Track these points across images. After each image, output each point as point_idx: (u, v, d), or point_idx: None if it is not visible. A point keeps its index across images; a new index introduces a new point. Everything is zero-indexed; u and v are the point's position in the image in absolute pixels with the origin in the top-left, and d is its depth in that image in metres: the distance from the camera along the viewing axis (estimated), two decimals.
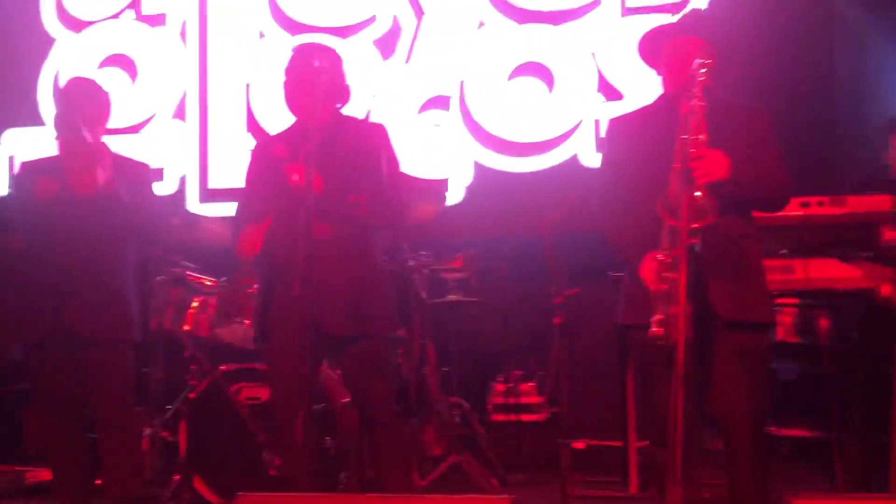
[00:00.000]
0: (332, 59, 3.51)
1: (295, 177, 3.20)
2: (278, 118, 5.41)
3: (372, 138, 3.51)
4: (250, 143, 5.55)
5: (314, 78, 3.34)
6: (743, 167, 2.94)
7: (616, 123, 3.35)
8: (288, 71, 3.48)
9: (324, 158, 3.22)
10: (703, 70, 2.86)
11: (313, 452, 3.54)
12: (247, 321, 4.41)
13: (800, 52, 5.06)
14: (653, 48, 3.24)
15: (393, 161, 3.52)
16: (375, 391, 3.46)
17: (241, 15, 5.64)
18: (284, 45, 5.51)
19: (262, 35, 5.62)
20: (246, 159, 5.51)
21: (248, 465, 4.18)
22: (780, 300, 4.46)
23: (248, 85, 5.59)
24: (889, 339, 3.91)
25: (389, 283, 3.59)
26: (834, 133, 5.11)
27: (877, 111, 4.92)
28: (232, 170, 5.55)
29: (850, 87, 5.21)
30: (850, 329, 4.42)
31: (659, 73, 3.25)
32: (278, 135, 3.61)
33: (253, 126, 5.57)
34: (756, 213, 3.20)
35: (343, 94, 3.53)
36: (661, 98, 3.26)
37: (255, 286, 4.49)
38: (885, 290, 3.84)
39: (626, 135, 3.25)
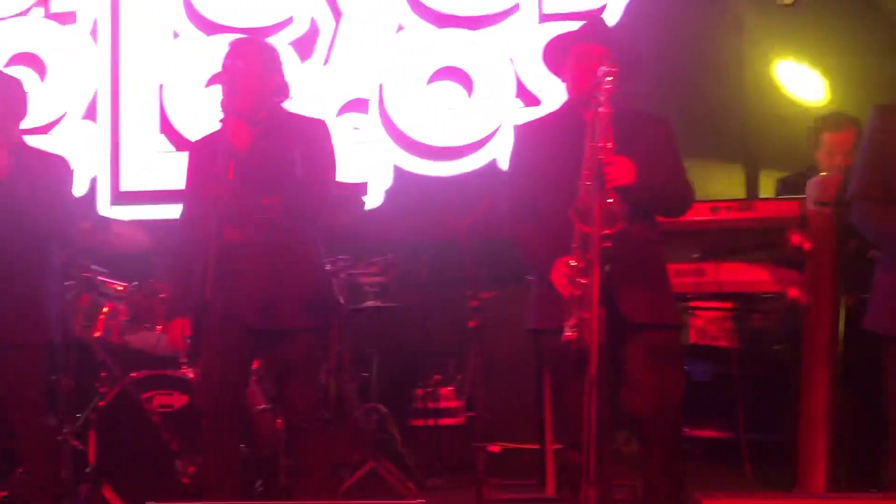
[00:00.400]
0: (270, 55, 3.48)
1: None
2: (192, 119, 5.35)
3: (309, 134, 3.46)
4: (164, 145, 5.46)
5: (249, 73, 3.31)
6: (648, 173, 2.99)
7: (523, 130, 3.38)
8: (224, 66, 3.42)
9: (254, 156, 3.21)
10: (609, 78, 2.91)
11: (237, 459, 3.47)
12: (158, 327, 4.34)
13: (711, 59, 5.18)
14: (557, 55, 3.28)
15: (330, 159, 3.47)
16: (298, 396, 3.40)
17: (155, 14, 5.52)
18: (199, 46, 5.43)
19: (176, 35, 5.52)
20: (161, 161, 5.46)
21: (160, 473, 4.10)
22: (692, 303, 4.55)
23: (161, 85, 5.48)
24: (796, 341, 4.02)
25: (315, 283, 3.49)
26: (744, 138, 5.24)
27: (788, 116, 5.05)
28: (144, 172, 5.43)
29: (760, 93, 5.35)
30: (759, 331, 4.54)
31: (563, 80, 3.29)
32: (214, 133, 3.53)
33: (166, 127, 5.46)
34: (660, 219, 3.26)
35: (281, 89, 3.48)
36: (565, 105, 3.30)
37: (167, 292, 4.45)
38: (793, 292, 3.94)
39: (532, 141, 3.28)
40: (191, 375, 4.23)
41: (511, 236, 3.25)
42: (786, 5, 5.35)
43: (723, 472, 4.56)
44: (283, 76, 3.49)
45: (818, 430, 3.87)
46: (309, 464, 3.44)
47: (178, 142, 5.43)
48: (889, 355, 3.07)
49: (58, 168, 3.77)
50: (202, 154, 3.45)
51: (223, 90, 3.35)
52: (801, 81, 5.31)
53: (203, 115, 5.27)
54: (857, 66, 5.05)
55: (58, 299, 3.80)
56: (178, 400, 4.18)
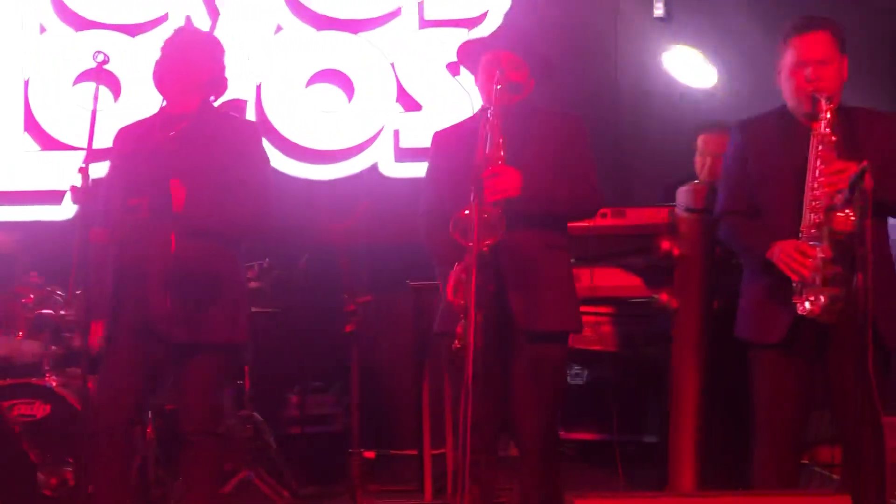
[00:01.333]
0: (207, 46, 3.40)
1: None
2: (60, 118, 5.14)
3: (238, 136, 3.36)
4: (28, 144, 5.22)
5: (183, 64, 3.23)
6: (544, 180, 3.01)
7: (438, 137, 3.38)
8: (166, 47, 3.32)
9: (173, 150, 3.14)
10: (499, 87, 2.92)
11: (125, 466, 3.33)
12: (20, 333, 4.17)
13: (587, 68, 5.28)
14: (469, 60, 3.28)
15: (259, 163, 3.37)
16: (193, 404, 3.29)
17: (20, 8, 5.27)
18: (67, 42, 5.22)
19: (43, 30, 5.29)
20: (26, 161, 5.21)
21: (20, 486, 3.89)
22: None
23: (26, 82, 5.24)
24: (667, 345, 4.12)
25: (229, 289, 3.34)
26: (620, 147, 5.36)
27: (660, 126, 5.19)
28: (8, 171, 5.18)
29: (633, 103, 5.50)
30: (632, 335, 4.64)
31: (476, 84, 3.30)
32: (141, 121, 3.41)
33: (31, 125, 5.22)
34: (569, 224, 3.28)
35: (217, 85, 3.38)
36: (480, 111, 3.30)
37: (31, 297, 4.26)
38: (663, 297, 4.04)
39: (446, 148, 3.29)
40: (53, 384, 4.06)
41: (423, 241, 3.26)
42: (660, 18, 5.52)
43: (596, 473, 4.64)
44: (220, 72, 3.39)
45: (687, 431, 3.98)
46: (198, 477, 3.32)
47: (45, 141, 5.20)
48: (753, 361, 3.17)
49: None
50: (126, 142, 3.33)
51: (155, 77, 3.28)
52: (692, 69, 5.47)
53: (71, 114, 5.09)
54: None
55: None
56: (41, 409, 4.00)
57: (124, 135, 3.39)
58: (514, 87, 2.99)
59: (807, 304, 2.91)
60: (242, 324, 3.34)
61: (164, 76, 3.27)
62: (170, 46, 3.31)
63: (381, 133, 5.24)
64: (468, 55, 3.26)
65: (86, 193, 2.97)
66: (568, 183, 3.11)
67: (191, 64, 3.28)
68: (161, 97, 3.34)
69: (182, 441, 3.33)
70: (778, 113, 3.20)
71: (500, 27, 3.40)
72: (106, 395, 3.18)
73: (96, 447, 3.14)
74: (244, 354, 4.44)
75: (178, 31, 3.45)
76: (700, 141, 4.57)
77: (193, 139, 3.24)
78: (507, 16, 5.21)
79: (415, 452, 4.62)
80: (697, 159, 4.52)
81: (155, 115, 3.36)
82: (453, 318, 2.95)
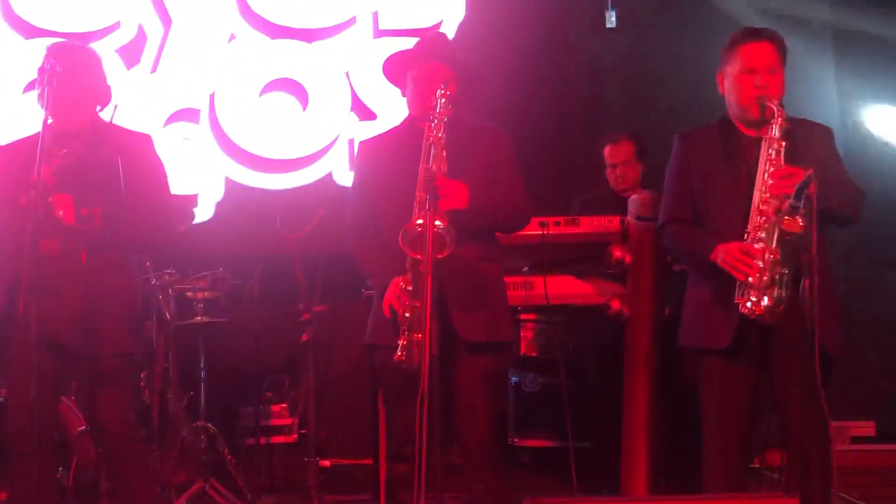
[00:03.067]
0: (90, 59, 3.35)
1: (60, 212, 3.04)
2: (7, 125, 5.05)
3: (134, 148, 3.33)
4: None
5: (67, 79, 3.15)
6: (483, 193, 3.05)
7: (365, 146, 3.40)
8: (40, 71, 3.22)
9: (71, 167, 3.07)
10: (444, 100, 2.95)
11: (49, 484, 3.29)
12: None
13: (540, 78, 5.33)
14: (397, 70, 3.30)
15: (158, 174, 3.36)
16: (109, 416, 3.26)
17: None
18: (16, 49, 5.15)
19: None
20: None
21: None
22: (522, 315, 4.66)
23: None
24: (619, 351, 4.17)
25: (131, 301, 3.37)
26: (571, 156, 5.42)
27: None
28: None
29: (586, 111, 5.56)
30: (585, 342, 4.69)
31: (404, 95, 3.32)
32: (25, 138, 3.34)
33: None
34: (498, 235, 3.33)
35: (101, 96, 3.36)
36: (406, 120, 3.33)
37: None
38: (615, 304, 4.09)
39: (374, 157, 3.31)
40: None
41: (352, 251, 3.26)
42: (612, 30, 5.59)
43: (551, 479, 4.67)
44: (104, 83, 3.37)
45: (639, 436, 4.04)
46: (127, 486, 3.31)
47: None
48: (699, 366, 3.22)
49: None
50: (13, 160, 3.26)
51: (40, 95, 3.19)
52: None
53: (19, 121, 5.01)
54: None
55: None
56: None
57: (8, 153, 3.35)
58: (454, 99, 3.03)
59: (748, 304, 2.95)
60: (139, 334, 3.41)
61: (52, 95, 3.14)
62: (49, 63, 3.20)
63: (336, 142, 5.24)
64: (396, 67, 3.29)
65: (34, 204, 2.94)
66: (502, 195, 3.15)
67: (78, 80, 3.24)
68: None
69: (106, 456, 3.32)
70: (718, 123, 3.26)
71: (424, 40, 3.42)
72: (21, 412, 3.10)
73: (18, 465, 3.13)
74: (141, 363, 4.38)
75: (55, 48, 3.34)
76: (606, 153, 4.69)
77: (91, 154, 3.21)
78: (461, 26, 5.26)
79: (370, 462, 4.61)
80: (608, 171, 4.65)
81: (41, 132, 3.16)
82: (389, 330, 2.98)
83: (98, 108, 3.37)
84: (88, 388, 3.31)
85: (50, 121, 3.12)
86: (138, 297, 3.45)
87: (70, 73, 3.18)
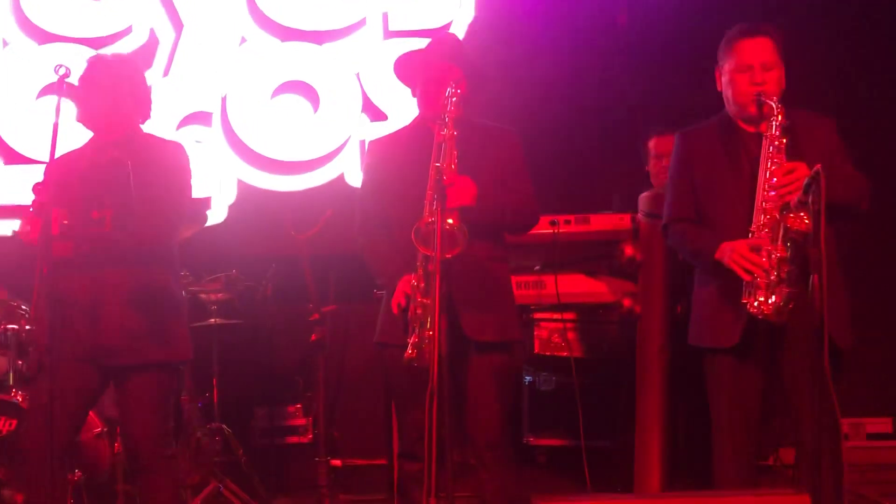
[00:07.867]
0: (132, 73, 3.39)
1: (27, 228, 3.06)
2: (23, 131, 5.09)
3: (164, 153, 3.36)
4: None
5: (112, 92, 3.22)
6: (492, 192, 3.06)
7: (375, 146, 3.40)
8: (82, 82, 3.29)
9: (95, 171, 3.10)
10: (454, 99, 2.96)
11: (65, 488, 3.31)
12: None
13: (550, 78, 5.32)
14: (408, 70, 3.31)
15: (179, 180, 3.36)
16: (140, 431, 3.26)
17: None
18: (30, 55, 5.19)
19: (5, 43, 5.23)
20: None
21: None
22: (535, 314, 4.65)
23: None
24: (631, 350, 4.17)
25: (171, 313, 3.34)
26: (582, 156, 5.41)
27: (620, 136, 5.23)
28: None
29: (598, 109, 5.55)
30: (598, 340, 4.68)
31: (414, 95, 3.33)
32: (74, 151, 3.40)
33: None
34: (507, 235, 3.33)
35: (143, 109, 3.40)
36: (416, 120, 3.34)
37: None
38: (627, 303, 4.09)
39: (384, 156, 3.31)
40: (19, 399, 4.03)
41: (361, 250, 3.27)
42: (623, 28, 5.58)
43: (566, 478, 4.67)
44: (144, 95, 3.41)
45: (652, 434, 4.04)
46: (152, 499, 3.30)
47: (7, 155, 5.16)
48: (708, 365, 3.21)
49: None
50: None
51: (76, 106, 3.26)
52: None
53: (35, 128, 5.05)
54: None
55: None
56: (6, 425, 3.97)
57: (55, 166, 3.34)
58: (464, 99, 3.03)
59: (756, 304, 2.94)
60: (181, 342, 3.35)
61: (86, 111, 3.25)
62: (90, 77, 3.29)
63: (348, 143, 5.25)
64: (407, 67, 3.30)
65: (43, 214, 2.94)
66: (510, 194, 3.15)
67: (111, 95, 3.28)
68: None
69: (134, 469, 3.32)
70: (718, 120, 3.25)
71: (434, 40, 3.43)
72: (40, 422, 3.07)
73: (31, 473, 3.13)
74: (183, 373, 4.39)
75: (93, 62, 3.38)
76: (652, 145, 4.63)
77: (123, 164, 3.21)
78: (470, 26, 5.26)
79: (384, 462, 4.62)
80: (653, 163, 4.57)
81: (85, 144, 3.35)
82: (398, 329, 2.99)
83: (140, 122, 3.41)
84: (119, 398, 3.30)
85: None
86: (180, 308, 3.42)
87: (101, 85, 3.24)
